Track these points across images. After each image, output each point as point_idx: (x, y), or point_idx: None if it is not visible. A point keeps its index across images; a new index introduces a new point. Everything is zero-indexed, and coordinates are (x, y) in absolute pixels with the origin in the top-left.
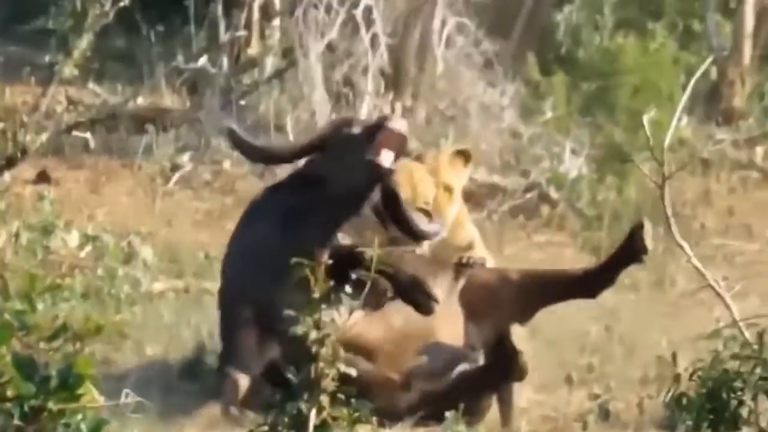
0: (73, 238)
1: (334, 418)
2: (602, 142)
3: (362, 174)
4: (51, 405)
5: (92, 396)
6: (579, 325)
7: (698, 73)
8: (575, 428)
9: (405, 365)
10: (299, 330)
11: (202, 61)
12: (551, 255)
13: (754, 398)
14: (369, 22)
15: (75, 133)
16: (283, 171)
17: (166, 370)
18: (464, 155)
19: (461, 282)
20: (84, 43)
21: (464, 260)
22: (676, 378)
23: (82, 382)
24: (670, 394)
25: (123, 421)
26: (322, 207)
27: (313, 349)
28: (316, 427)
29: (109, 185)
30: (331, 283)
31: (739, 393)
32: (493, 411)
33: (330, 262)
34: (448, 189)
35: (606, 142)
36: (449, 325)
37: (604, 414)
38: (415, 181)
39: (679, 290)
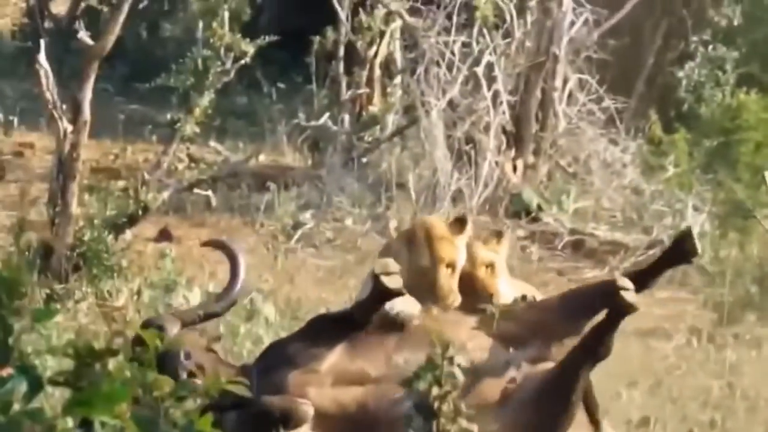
0: (195, 296)
1: None
2: (724, 199)
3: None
4: None
5: None
6: (701, 381)
7: None
8: None
9: None
10: (421, 386)
11: (324, 118)
12: (673, 311)
13: None
14: (490, 80)
15: (196, 190)
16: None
17: None
18: (496, 236)
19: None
20: (205, 100)
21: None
22: None
23: None
24: None
25: None
26: None
27: (435, 405)
28: None
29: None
30: None
31: None
32: None
33: None
34: (489, 265)
35: (728, 198)
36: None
37: None
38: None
39: None
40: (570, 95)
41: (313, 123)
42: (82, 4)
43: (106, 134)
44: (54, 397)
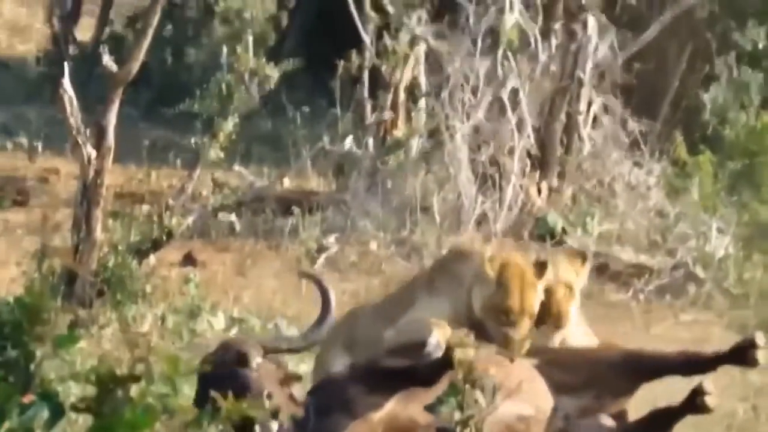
0: (219, 321)
1: None
2: (748, 221)
3: None
4: None
5: None
6: (726, 405)
7: None
8: None
9: None
10: (444, 411)
11: (348, 142)
12: (698, 334)
13: None
14: (515, 104)
15: (221, 215)
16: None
17: None
18: (581, 257)
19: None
20: (229, 125)
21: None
22: None
23: None
24: None
25: None
26: None
27: (457, 429)
28: None
29: (255, 267)
30: None
31: None
32: None
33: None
34: (569, 286)
35: (752, 220)
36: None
37: None
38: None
39: None
40: (595, 119)
41: (337, 147)
42: (107, 30)
43: (130, 159)
44: (77, 424)
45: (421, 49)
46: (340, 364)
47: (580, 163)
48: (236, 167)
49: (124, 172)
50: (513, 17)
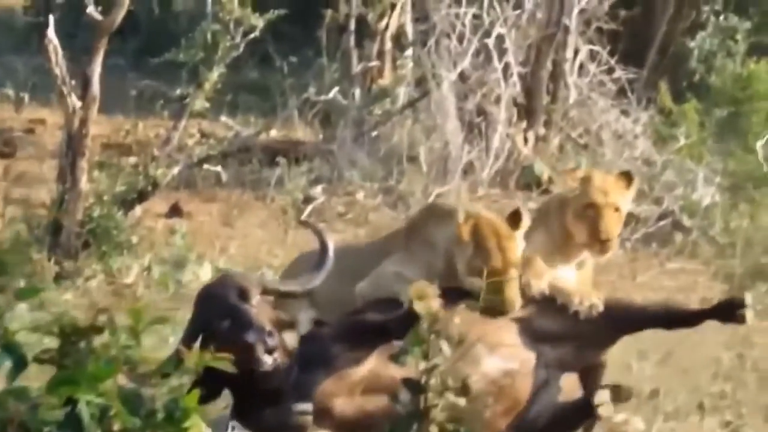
0: (205, 272)
1: None
2: (735, 169)
3: None
4: None
5: (200, 430)
6: (711, 352)
7: None
8: None
9: None
10: (407, 360)
11: (334, 92)
12: (684, 283)
13: None
14: (501, 52)
15: (207, 166)
16: None
17: None
18: (627, 178)
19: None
20: (215, 75)
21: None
22: None
23: (189, 415)
24: None
25: None
26: None
27: (422, 379)
28: None
29: (242, 218)
30: None
31: None
32: None
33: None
34: (618, 210)
35: (738, 168)
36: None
37: None
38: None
39: None
40: (581, 66)
41: (323, 97)
42: None
43: (117, 110)
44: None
45: None
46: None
47: (567, 111)
48: (223, 117)
49: (111, 122)
50: None
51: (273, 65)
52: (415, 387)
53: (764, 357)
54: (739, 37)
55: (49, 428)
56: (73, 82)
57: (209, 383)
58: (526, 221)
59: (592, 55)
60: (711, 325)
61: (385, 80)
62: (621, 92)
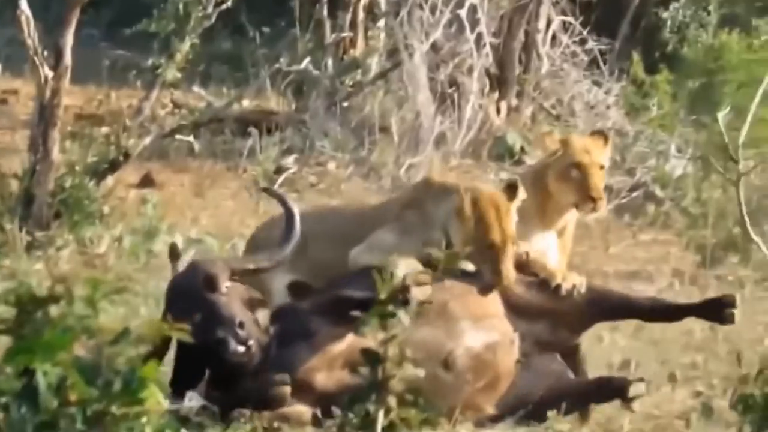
0: (177, 242)
1: (402, 419)
2: (707, 140)
3: None
4: (114, 409)
5: (156, 400)
6: (683, 324)
7: None
8: (678, 426)
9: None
10: (365, 330)
11: (305, 62)
12: (656, 254)
13: None
14: (473, 22)
15: (179, 136)
16: None
17: None
18: (602, 137)
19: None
20: (186, 45)
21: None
22: (743, 379)
23: (146, 386)
24: (735, 395)
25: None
26: None
27: (381, 350)
28: (383, 429)
29: (213, 188)
30: None
31: None
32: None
33: None
34: (602, 167)
35: (710, 140)
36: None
37: (707, 412)
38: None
39: None
40: (553, 37)
41: (294, 67)
42: None
43: (90, 80)
44: None
45: None
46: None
47: (539, 82)
48: (195, 87)
49: (84, 92)
50: None
51: (246, 35)
52: (373, 358)
53: (735, 328)
54: (711, 8)
55: (5, 398)
56: (46, 53)
57: (187, 366)
58: (521, 193)
59: (565, 26)
60: (683, 298)
61: (358, 51)
62: (593, 63)
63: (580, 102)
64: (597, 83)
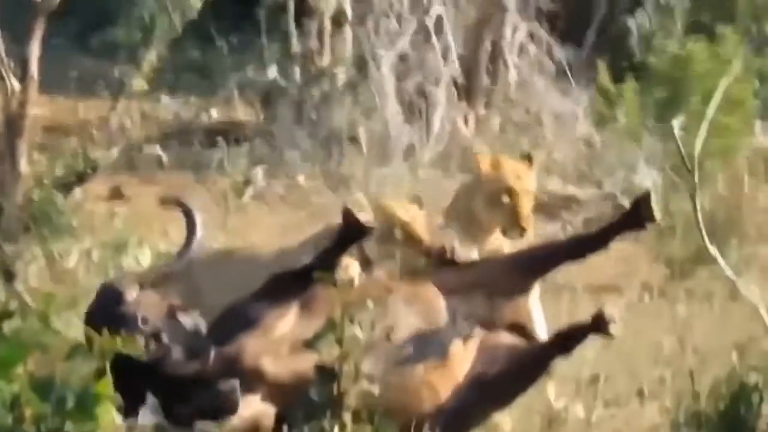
0: (146, 255)
1: None
2: (675, 151)
3: None
4: (68, 426)
5: (111, 417)
6: (652, 337)
7: None
8: None
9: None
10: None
11: (272, 72)
12: (626, 267)
13: None
14: (440, 32)
15: (147, 148)
16: None
17: None
18: (528, 159)
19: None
20: (152, 55)
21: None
22: (695, 396)
23: (100, 402)
24: (686, 412)
25: None
26: None
27: (336, 366)
28: None
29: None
30: None
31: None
32: None
33: None
34: (530, 194)
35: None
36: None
37: (676, 428)
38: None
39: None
40: (521, 47)
41: (260, 78)
42: None
43: (58, 90)
44: None
45: None
46: None
47: (507, 92)
48: (163, 96)
49: (52, 103)
50: None
51: (213, 44)
52: (328, 374)
53: (704, 341)
54: (677, 15)
55: None
56: (12, 63)
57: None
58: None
59: (532, 35)
60: (652, 311)
61: (325, 61)
62: (561, 73)
63: (548, 112)
64: (565, 93)
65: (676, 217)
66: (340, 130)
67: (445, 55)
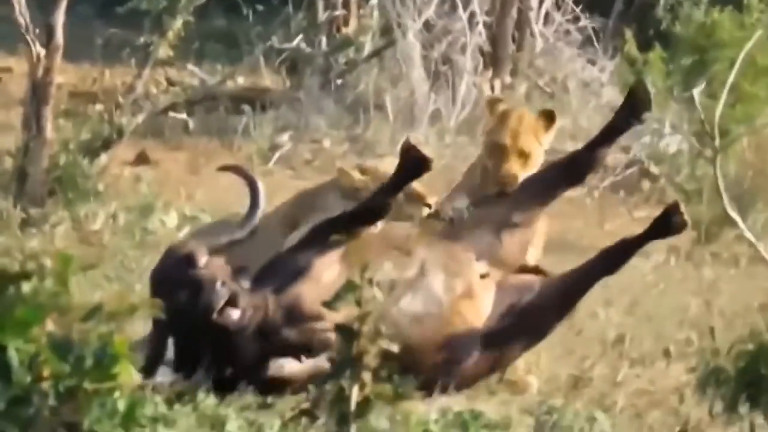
0: (172, 219)
1: (377, 395)
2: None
3: None
4: (86, 385)
5: (129, 375)
6: (678, 300)
7: None
8: (672, 402)
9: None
10: (341, 307)
11: (298, 40)
12: None
13: None
14: (466, 0)
15: (172, 114)
16: None
17: None
18: (549, 117)
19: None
20: (178, 23)
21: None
22: (714, 352)
23: (118, 361)
24: (705, 368)
25: None
26: None
27: (355, 326)
28: (358, 404)
29: (208, 166)
30: None
31: None
32: None
33: None
34: (523, 155)
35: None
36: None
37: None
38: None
39: None
40: (546, 15)
41: (286, 45)
42: None
43: (84, 58)
44: None
45: None
46: None
47: (533, 60)
48: (190, 65)
49: (78, 70)
50: None
51: (240, 13)
52: (347, 333)
53: (730, 303)
54: None
55: None
56: (38, 30)
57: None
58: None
59: (558, 4)
60: (678, 274)
61: (351, 29)
62: (587, 41)
63: (574, 80)
64: (591, 61)
65: (703, 182)
66: (366, 97)
67: (471, 24)
